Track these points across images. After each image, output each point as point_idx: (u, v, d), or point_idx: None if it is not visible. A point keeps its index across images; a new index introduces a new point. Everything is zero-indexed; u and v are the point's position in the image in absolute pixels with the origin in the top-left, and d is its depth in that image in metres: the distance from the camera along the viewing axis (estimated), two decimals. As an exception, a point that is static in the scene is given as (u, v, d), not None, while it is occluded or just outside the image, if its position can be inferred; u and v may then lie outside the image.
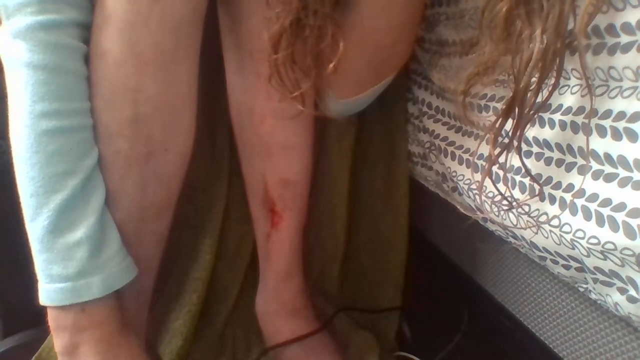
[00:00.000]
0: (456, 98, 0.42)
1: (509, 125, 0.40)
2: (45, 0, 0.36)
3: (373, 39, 0.46)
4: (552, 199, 0.37)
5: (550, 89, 0.33)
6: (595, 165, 0.34)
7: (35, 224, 0.37)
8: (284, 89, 0.44)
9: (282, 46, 0.41)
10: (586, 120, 0.35)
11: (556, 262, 0.39)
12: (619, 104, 0.32)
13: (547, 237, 0.38)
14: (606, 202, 0.33)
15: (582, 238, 0.34)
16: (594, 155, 0.34)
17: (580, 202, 0.35)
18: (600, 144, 0.34)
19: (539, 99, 0.33)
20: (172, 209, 0.47)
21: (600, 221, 0.33)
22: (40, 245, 0.37)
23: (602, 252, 0.33)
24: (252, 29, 0.47)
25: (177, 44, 0.41)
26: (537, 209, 0.38)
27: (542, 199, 0.37)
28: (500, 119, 0.34)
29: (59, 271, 0.37)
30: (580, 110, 0.35)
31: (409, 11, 0.44)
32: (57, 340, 0.40)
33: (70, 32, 0.38)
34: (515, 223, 0.41)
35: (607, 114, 0.33)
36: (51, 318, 0.39)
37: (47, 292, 0.38)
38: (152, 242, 0.46)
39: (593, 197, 0.34)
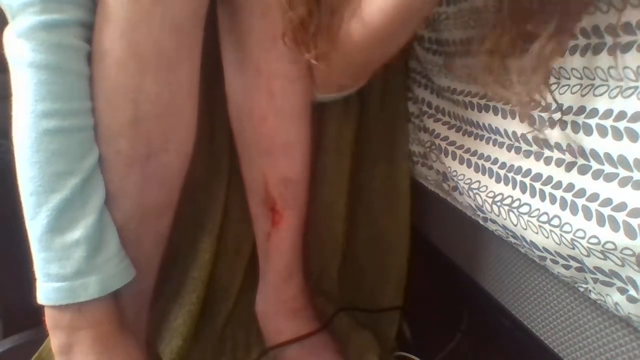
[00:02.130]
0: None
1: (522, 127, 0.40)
2: (48, 0, 0.36)
3: (371, 45, 0.45)
4: (553, 199, 0.37)
5: None
6: (595, 165, 0.34)
7: (35, 223, 0.37)
8: (297, 48, 0.44)
9: (297, 3, 0.41)
10: (587, 120, 0.35)
11: (556, 262, 0.39)
12: (619, 104, 0.33)
13: (547, 237, 0.38)
14: (607, 202, 0.33)
15: (583, 238, 0.34)
16: (594, 155, 0.34)
17: (580, 201, 0.35)
18: (600, 144, 0.34)
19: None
20: (172, 209, 0.47)
21: (600, 221, 0.33)
22: (39, 244, 0.37)
23: (602, 252, 0.33)
24: (251, 28, 0.47)
25: (178, 44, 0.41)
26: (538, 209, 0.38)
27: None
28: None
29: (57, 270, 0.37)
30: (580, 110, 0.35)
31: (416, 21, 0.43)
32: (54, 340, 0.40)
33: (73, 32, 0.38)
34: (515, 223, 0.41)
35: (608, 113, 0.33)
36: (48, 317, 0.39)
37: (45, 291, 0.38)
38: (152, 243, 0.46)
39: (593, 197, 0.34)
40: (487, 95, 0.46)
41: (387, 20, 0.39)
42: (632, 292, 0.33)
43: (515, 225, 0.41)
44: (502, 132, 0.43)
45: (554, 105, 0.37)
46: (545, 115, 0.38)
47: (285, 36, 0.43)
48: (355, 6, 0.41)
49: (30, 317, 0.43)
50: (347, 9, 0.42)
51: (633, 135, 0.31)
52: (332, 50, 0.44)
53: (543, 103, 0.37)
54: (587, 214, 0.34)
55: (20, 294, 0.44)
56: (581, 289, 0.40)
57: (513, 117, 0.42)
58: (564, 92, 0.37)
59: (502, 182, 0.43)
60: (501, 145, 0.44)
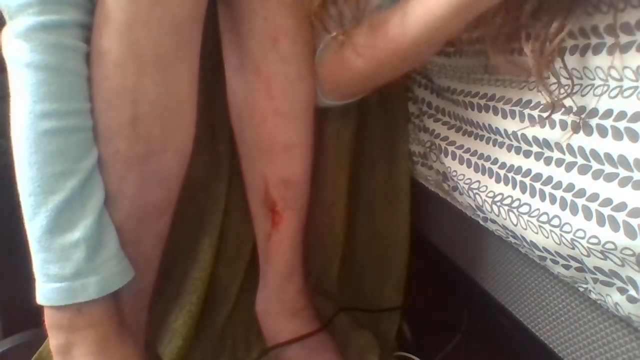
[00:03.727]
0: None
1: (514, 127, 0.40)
2: (46, 1, 0.36)
3: (391, 60, 0.46)
4: (553, 199, 0.37)
5: None
6: (595, 165, 0.34)
7: (34, 224, 0.37)
8: (324, 27, 0.45)
9: None
10: (587, 120, 0.35)
11: (556, 262, 0.39)
12: (619, 104, 0.33)
13: (547, 237, 0.38)
14: (607, 202, 0.33)
15: (583, 238, 0.34)
16: (594, 155, 0.34)
17: (580, 201, 0.35)
18: (600, 144, 0.34)
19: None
20: (172, 209, 0.47)
21: (600, 221, 0.33)
22: (38, 245, 0.37)
23: (602, 252, 0.33)
24: (253, 28, 0.47)
25: (176, 44, 0.41)
26: (538, 209, 0.38)
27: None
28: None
29: (56, 271, 0.37)
30: (580, 110, 0.35)
31: (442, 39, 0.43)
32: (53, 340, 0.40)
33: (72, 33, 0.38)
34: (515, 223, 0.41)
35: (608, 113, 0.33)
36: (47, 317, 0.39)
37: (44, 292, 0.38)
38: (151, 243, 0.46)
39: (593, 197, 0.34)
40: (487, 95, 0.46)
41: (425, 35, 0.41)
42: (632, 292, 0.33)
43: (515, 225, 0.41)
44: (502, 132, 0.43)
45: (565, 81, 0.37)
46: (545, 115, 0.38)
47: (312, 16, 0.45)
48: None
49: (30, 317, 0.43)
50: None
51: (633, 135, 0.31)
52: (358, 28, 0.45)
53: (554, 77, 0.37)
54: (587, 214, 0.34)
55: (20, 294, 0.44)
56: (581, 289, 0.40)
57: (513, 117, 0.42)
58: (564, 92, 0.37)
59: (502, 182, 0.43)
60: (501, 145, 0.44)
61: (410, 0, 0.41)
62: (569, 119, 0.36)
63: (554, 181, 0.38)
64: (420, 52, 0.46)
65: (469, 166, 0.47)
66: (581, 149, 0.35)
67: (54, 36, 0.36)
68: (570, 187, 0.36)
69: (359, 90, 0.54)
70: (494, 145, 0.45)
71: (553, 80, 0.37)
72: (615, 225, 0.32)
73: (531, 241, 0.40)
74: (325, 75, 0.51)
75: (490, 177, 0.44)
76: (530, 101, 0.40)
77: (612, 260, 0.33)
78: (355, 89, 0.54)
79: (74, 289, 0.38)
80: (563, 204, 0.36)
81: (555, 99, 0.36)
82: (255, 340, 0.60)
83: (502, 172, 0.43)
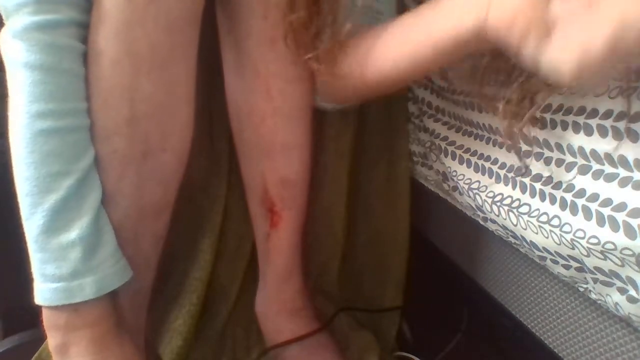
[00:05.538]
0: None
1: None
2: (42, 1, 0.36)
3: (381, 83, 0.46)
4: (553, 199, 0.37)
5: None
6: (595, 165, 0.34)
7: (31, 223, 0.37)
8: (298, 50, 0.45)
9: (298, 7, 0.41)
10: (587, 121, 0.35)
11: (556, 262, 0.39)
12: (619, 104, 0.33)
13: (547, 237, 0.38)
14: (607, 202, 0.33)
15: (582, 238, 0.34)
16: (594, 155, 0.34)
17: (580, 202, 0.35)
18: (600, 144, 0.34)
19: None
20: (170, 209, 0.47)
21: (600, 221, 0.33)
22: (35, 245, 0.37)
23: (602, 252, 0.33)
24: (251, 29, 0.47)
25: (173, 43, 0.41)
26: (538, 209, 0.38)
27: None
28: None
29: (53, 271, 0.37)
30: (581, 110, 0.35)
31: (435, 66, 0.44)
32: (51, 340, 0.40)
33: (68, 32, 0.38)
34: (515, 223, 0.41)
35: (608, 113, 0.33)
36: (45, 317, 0.39)
37: (42, 292, 0.38)
38: (150, 242, 0.46)
39: (593, 197, 0.34)
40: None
41: (402, 76, 0.41)
42: (632, 292, 0.33)
43: (515, 225, 0.41)
44: (502, 132, 0.43)
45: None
46: (546, 115, 0.38)
47: (287, 38, 0.44)
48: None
49: (30, 317, 0.43)
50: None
51: (633, 135, 0.31)
52: (334, 51, 0.45)
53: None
54: (587, 214, 0.34)
55: (20, 294, 0.44)
56: (581, 289, 0.40)
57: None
58: (564, 92, 0.37)
59: (502, 182, 0.43)
60: (501, 145, 0.44)
61: (388, 36, 0.42)
62: (570, 119, 0.36)
63: (554, 181, 0.38)
64: (395, 86, 0.47)
65: (469, 166, 0.47)
66: (581, 149, 0.35)
67: (49, 36, 0.36)
68: (570, 187, 0.36)
69: (348, 100, 0.54)
70: (494, 145, 0.45)
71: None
72: (615, 226, 0.32)
73: (531, 241, 0.40)
74: (319, 82, 0.51)
75: (490, 177, 0.44)
76: (529, 101, 0.40)
77: (612, 261, 0.33)
78: (344, 100, 0.54)
79: (71, 289, 0.37)
80: (563, 204, 0.36)
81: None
82: (255, 340, 0.60)
83: (502, 172, 0.43)
